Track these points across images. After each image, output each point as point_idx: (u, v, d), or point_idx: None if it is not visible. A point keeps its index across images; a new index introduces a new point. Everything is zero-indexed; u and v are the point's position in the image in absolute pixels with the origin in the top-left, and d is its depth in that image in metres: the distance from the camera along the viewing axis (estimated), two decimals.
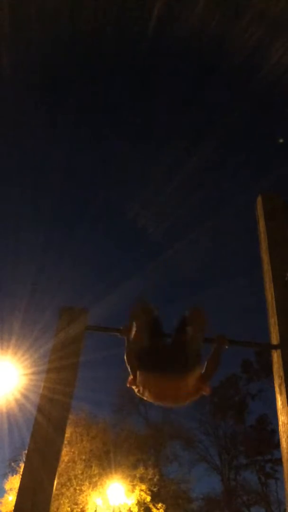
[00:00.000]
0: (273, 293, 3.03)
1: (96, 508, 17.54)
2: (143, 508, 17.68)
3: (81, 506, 17.19)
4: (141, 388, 2.59)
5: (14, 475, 18.74)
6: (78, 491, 17.28)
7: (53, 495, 2.32)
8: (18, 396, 12.46)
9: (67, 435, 9.76)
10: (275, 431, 25.53)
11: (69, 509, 16.90)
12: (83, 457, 17.91)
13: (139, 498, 17.47)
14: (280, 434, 2.69)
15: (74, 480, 17.25)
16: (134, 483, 17.91)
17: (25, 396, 12.59)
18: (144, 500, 17.61)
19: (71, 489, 17.15)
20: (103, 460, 18.43)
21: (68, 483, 17.16)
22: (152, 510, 17.81)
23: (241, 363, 28.65)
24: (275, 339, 2.92)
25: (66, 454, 17.09)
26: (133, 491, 17.68)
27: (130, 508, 17.48)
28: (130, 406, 21.92)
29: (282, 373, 2.71)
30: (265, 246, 3.31)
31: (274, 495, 26.34)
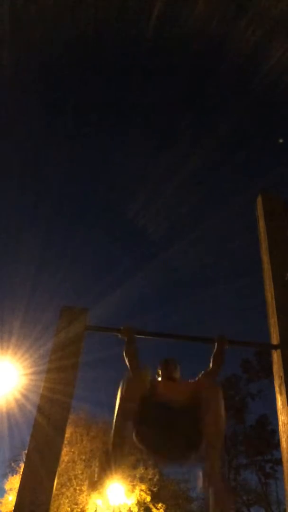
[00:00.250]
0: (273, 293, 3.03)
1: (96, 508, 17.54)
2: (143, 508, 17.68)
3: (81, 506, 17.19)
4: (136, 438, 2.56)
5: (14, 475, 18.75)
6: (78, 491, 17.27)
7: (53, 495, 2.32)
8: (18, 396, 12.45)
9: (67, 435, 9.76)
10: (275, 431, 25.53)
11: (69, 509, 16.89)
12: (83, 457, 17.91)
13: (139, 498, 17.46)
14: (280, 434, 2.69)
15: (74, 480, 17.25)
16: (134, 483, 17.91)
17: (25, 396, 12.59)
18: (144, 500, 17.61)
19: (71, 489, 17.15)
20: None
21: (68, 483, 17.16)
22: (152, 510, 17.81)
23: (241, 363, 28.67)
24: (275, 339, 2.92)
25: (66, 454, 17.09)
26: (133, 491, 17.68)
27: (130, 508, 17.48)
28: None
29: (282, 373, 2.71)
30: (265, 246, 3.31)
31: (274, 495, 26.35)
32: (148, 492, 17.77)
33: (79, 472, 17.54)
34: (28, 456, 2.41)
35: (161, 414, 2.37)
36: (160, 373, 2.77)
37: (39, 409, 2.53)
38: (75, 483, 17.27)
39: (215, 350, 2.91)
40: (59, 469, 2.47)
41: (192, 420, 2.33)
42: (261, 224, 3.45)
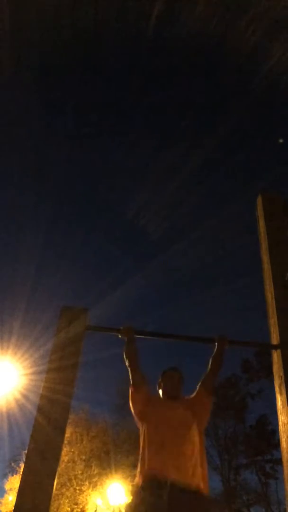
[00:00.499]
0: (273, 293, 3.03)
1: (96, 508, 17.54)
2: None
3: (81, 506, 17.19)
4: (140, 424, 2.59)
5: (14, 475, 18.77)
6: (78, 491, 17.27)
7: (53, 495, 2.32)
8: (18, 396, 12.46)
9: (67, 435, 9.76)
10: (275, 431, 25.53)
11: (69, 509, 16.89)
12: (83, 457, 17.91)
13: None
14: (280, 434, 2.68)
15: (74, 480, 17.25)
16: (134, 483, 17.88)
17: (25, 396, 12.59)
18: None
19: (71, 489, 17.15)
20: (103, 460, 18.42)
21: (68, 483, 17.16)
22: None
23: (241, 363, 28.66)
24: (275, 339, 2.91)
25: (66, 454, 17.09)
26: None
27: None
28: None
29: (282, 373, 2.71)
30: (265, 246, 3.31)
31: (274, 495, 26.34)
32: None
33: (79, 472, 17.54)
34: (28, 456, 2.41)
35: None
36: (162, 386, 2.77)
37: (39, 409, 2.53)
38: (75, 483, 17.26)
39: (215, 350, 2.92)
40: (59, 469, 2.46)
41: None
42: (261, 224, 3.45)
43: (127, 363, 2.80)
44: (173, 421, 2.48)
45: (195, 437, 2.47)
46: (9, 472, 19.62)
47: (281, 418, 2.67)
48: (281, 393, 2.70)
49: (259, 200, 3.53)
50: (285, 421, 2.62)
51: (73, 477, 17.29)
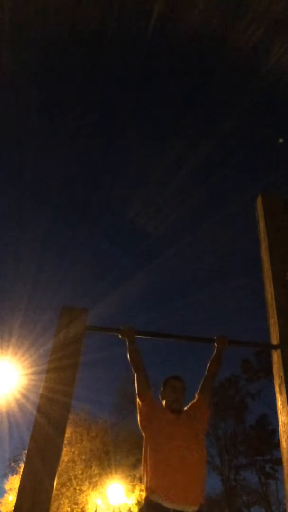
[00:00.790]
0: (273, 293, 3.03)
1: (96, 508, 17.55)
2: None
3: (81, 506, 17.19)
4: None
5: (14, 475, 18.76)
6: (78, 491, 17.27)
7: (53, 495, 2.32)
8: (18, 396, 12.46)
9: (67, 435, 9.76)
10: (275, 431, 25.55)
11: (69, 509, 16.89)
12: (83, 457, 17.91)
13: (139, 498, 17.46)
14: (280, 434, 2.68)
15: (74, 480, 17.25)
16: (134, 483, 17.90)
17: (25, 396, 12.60)
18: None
19: (71, 489, 17.15)
20: (103, 460, 18.42)
21: (68, 483, 17.16)
22: None
23: (241, 363, 28.67)
24: (275, 339, 2.91)
25: (66, 454, 17.09)
26: (133, 491, 17.68)
27: (130, 508, 17.48)
28: (130, 406, 21.99)
29: (282, 373, 2.71)
30: (265, 246, 3.31)
31: (274, 495, 26.36)
32: None
33: (79, 472, 17.54)
34: (28, 456, 2.41)
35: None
36: (165, 397, 2.78)
37: (39, 409, 2.53)
38: (75, 483, 17.26)
39: (215, 350, 2.92)
40: (59, 469, 2.46)
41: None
42: (261, 224, 3.44)
43: (132, 369, 2.82)
44: (178, 441, 2.49)
45: (199, 454, 2.50)
46: (9, 472, 19.64)
47: (281, 418, 2.67)
48: (281, 393, 2.70)
49: (259, 200, 3.52)
50: (285, 421, 2.62)
51: (73, 477, 17.29)
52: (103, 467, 18.23)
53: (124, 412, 21.50)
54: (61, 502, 16.72)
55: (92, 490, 17.60)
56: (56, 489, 3.83)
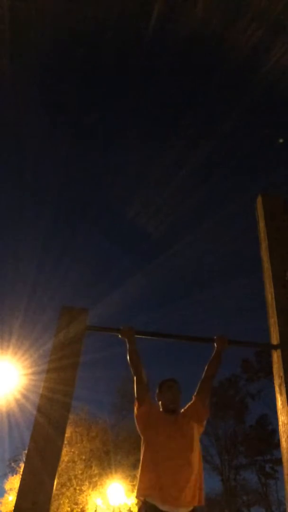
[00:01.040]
0: (273, 293, 3.03)
1: (96, 508, 17.55)
2: None
3: (81, 506, 17.19)
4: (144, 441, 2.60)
5: (14, 475, 18.76)
6: (78, 491, 17.28)
7: (53, 495, 2.32)
8: (18, 396, 12.47)
9: (67, 435, 9.76)
10: (275, 431, 25.56)
11: (69, 509, 16.90)
12: (83, 457, 17.91)
13: None
14: (280, 434, 2.68)
15: (74, 480, 17.25)
16: (134, 483, 17.89)
17: (25, 396, 12.61)
18: None
19: (71, 489, 17.16)
20: (103, 460, 18.42)
21: (68, 483, 17.16)
22: None
23: (241, 363, 28.68)
24: (275, 339, 2.91)
25: (66, 454, 17.09)
26: (133, 491, 17.67)
27: (130, 508, 17.49)
28: (130, 406, 21.98)
29: (282, 373, 2.71)
30: (265, 246, 3.31)
31: (274, 495, 26.36)
32: None
33: (79, 472, 17.54)
34: (28, 456, 2.41)
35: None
36: (161, 398, 2.78)
37: (39, 409, 2.53)
38: (75, 483, 17.27)
39: (214, 350, 2.92)
40: (59, 469, 2.46)
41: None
42: (261, 224, 3.45)
43: (132, 371, 2.81)
44: (175, 443, 2.50)
45: (195, 456, 2.50)
46: (9, 472, 19.64)
47: (281, 418, 2.67)
48: (281, 393, 2.70)
49: (259, 200, 3.52)
50: (285, 421, 2.62)
51: (73, 477, 17.29)
52: (103, 467, 18.23)
53: (124, 412, 21.52)
54: (61, 502, 16.72)
55: (92, 490, 17.60)
56: (56, 489, 3.82)
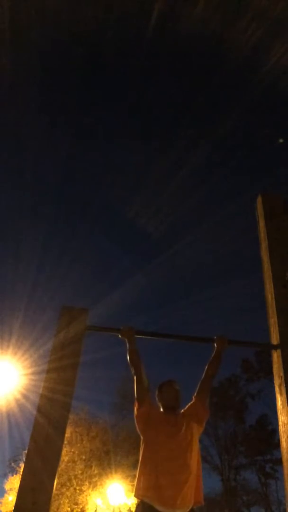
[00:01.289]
0: (273, 293, 3.03)
1: (96, 508, 17.55)
2: None
3: (81, 506, 17.19)
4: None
5: (14, 475, 18.77)
6: (78, 491, 17.27)
7: (53, 495, 2.32)
8: (18, 396, 12.46)
9: (67, 435, 9.75)
10: (275, 431, 25.55)
11: (69, 509, 16.90)
12: (83, 457, 17.91)
13: None
14: (280, 434, 2.68)
15: (74, 480, 17.25)
16: (134, 483, 17.87)
17: (25, 396, 12.60)
18: None
19: (71, 489, 17.15)
20: (103, 460, 18.42)
21: (68, 483, 17.16)
22: None
23: (241, 363, 28.67)
24: (275, 339, 2.91)
25: (66, 454, 17.09)
26: (133, 491, 17.64)
27: (130, 508, 17.48)
28: (130, 406, 21.95)
29: (282, 373, 2.71)
30: (265, 246, 3.31)
31: (274, 495, 26.35)
32: None
33: (79, 472, 17.54)
34: (28, 456, 2.41)
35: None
36: (161, 398, 2.78)
37: (39, 409, 2.53)
38: (75, 483, 17.26)
39: (214, 350, 2.92)
40: (59, 469, 2.46)
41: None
42: (261, 224, 3.45)
43: (132, 371, 2.81)
44: (174, 444, 2.50)
45: (194, 457, 2.50)
46: (9, 472, 19.65)
47: (281, 418, 2.67)
48: (281, 393, 2.70)
49: (259, 200, 3.53)
50: (285, 421, 2.62)
51: (73, 477, 17.29)
52: (103, 467, 18.23)
53: (124, 412, 21.52)
54: (61, 502, 16.72)
55: (92, 490, 17.60)
56: (56, 489, 3.83)
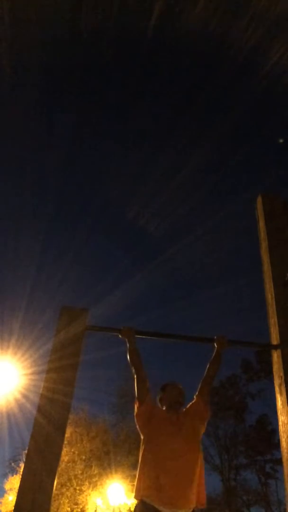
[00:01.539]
0: (273, 293, 3.03)
1: (96, 508, 17.54)
2: None
3: (81, 506, 17.19)
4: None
5: (14, 475, 18.77)
6: (78, 491, 17.27)
7: (53, 495, 2.32)
8: (18, 396, 12.46)
9: (67, 435, 9.75)
10: (275, 431, 25.54)
11: (69, 509, 16.89)
12: (83, 457, 17.91)
13: None
14: (280, 434, 2.68)
15: (74, 480, 17.25)
16: (134, 483, 17.88)
17: (25, 396, 12.60)
18: None
19: (71, 489, 17.15)
20: (103, 460, 18.42)
21: (68, 483, 17.16)
22: None
23: (241, 363, 28.66)
24: (275, 339, 2.92)
25: (66, 454, 17.09)
26: (133, 491, 17.65)
27: (130, 508, 17.47)
28: (130, 406, 21.99)
29: (282, 373, 2.71)
30: (265, 246, 3.31)
31: (274, 495, 26.33)
32: None
33: (79, 472, 17.54)
34: (28, 456, 2.41)
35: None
36: (165, 398, 2.77)
37: (39, 409, 2.53)
38: (75, 483, 17.26)
39: (214, 351, 2.92)
40: (59, 469, 2.46)
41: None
42: (261, 224, 3.45)
43: (132, 371, 2.81)
44: (176, 443, 2.48)
45: (197, 457, 2.49)
46: (9, 472, 19.65)
47: (281, 418, 2.67)
48: (281, 393, 2.70)
49: (259, 200, 3.53)
50: (285, 421, 2.62)
51: (73, 477, 17.29)
52: (103, 467, 18.23)
53: (124, 412, 21.51)
54: (61, 502, 16.72)
55: (92, 490, 17.60)
56: (56, 489, 3.83)
